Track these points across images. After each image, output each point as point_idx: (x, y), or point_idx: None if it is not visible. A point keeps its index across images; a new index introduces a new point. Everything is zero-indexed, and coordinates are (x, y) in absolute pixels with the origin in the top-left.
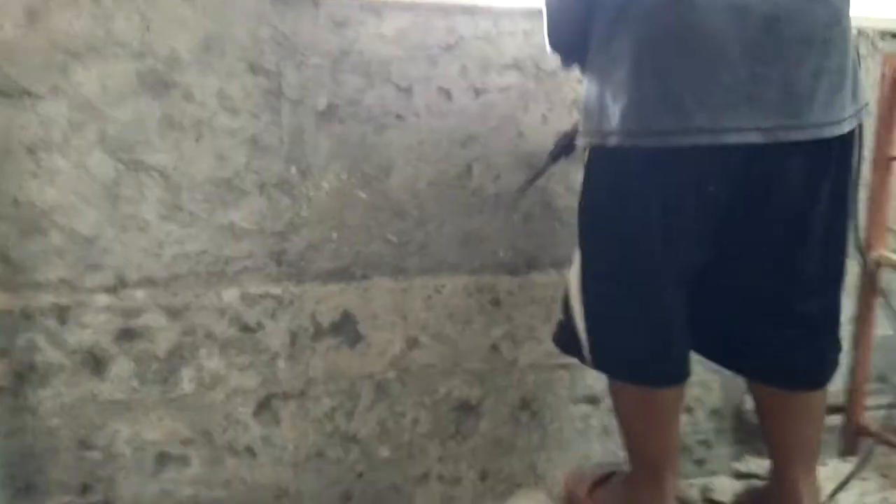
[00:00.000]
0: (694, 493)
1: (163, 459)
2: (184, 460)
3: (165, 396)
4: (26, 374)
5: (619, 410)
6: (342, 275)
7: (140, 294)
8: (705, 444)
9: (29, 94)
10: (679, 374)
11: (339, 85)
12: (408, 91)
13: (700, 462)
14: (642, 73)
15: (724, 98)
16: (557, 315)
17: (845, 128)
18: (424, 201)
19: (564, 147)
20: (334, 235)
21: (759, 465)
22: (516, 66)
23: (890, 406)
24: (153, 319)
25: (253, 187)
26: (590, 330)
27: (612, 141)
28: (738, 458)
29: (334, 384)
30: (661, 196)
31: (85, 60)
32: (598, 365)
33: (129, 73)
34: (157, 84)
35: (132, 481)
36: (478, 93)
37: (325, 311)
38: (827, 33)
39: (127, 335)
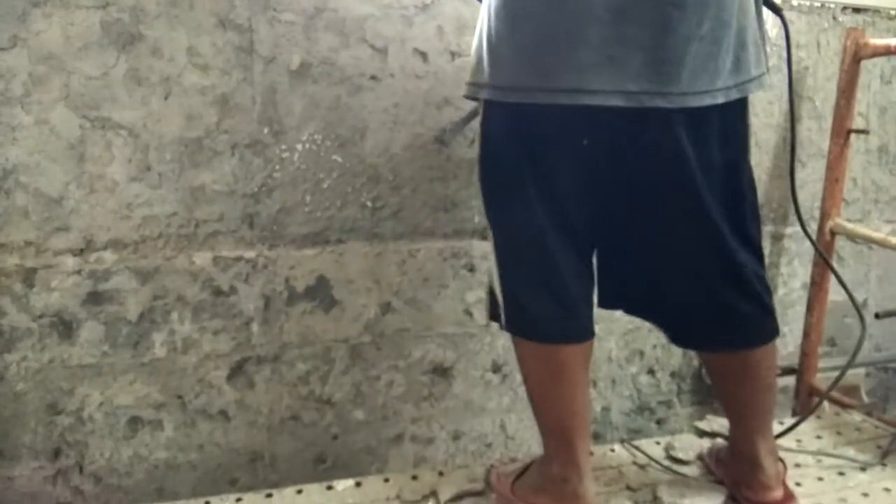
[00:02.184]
0: (657, 451)
1: (135, 424)
2: (157, 424)
3: (137, 361)
4: None
5: (526, 376)
6: (316, 239)
7: (109, 257)
8: (666, 404)
9: None
10: (579, 331)
11: (312, 43)
12: (383, 52)
13: (661, 422)
14: (513, 28)
15: (588, 59)
16: (467, 288)
17: (718, 99)
18: (399, 165)
19: None
20: (308, 199)
21: (722, 423)
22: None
23: (839, 368)
24: (123, 282)
25: (224, 148)
26: (503, 290)
27: (484, 94)
28: (697, 417)
29: (309, 348)
30: (531, 149)
31: (45, 8)
32: (508, 326)
33: (93, 22)
34: (123, 36)
35: (105, 445)
36: (453, 55)
37: (299, 276)
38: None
39: (96, 299)
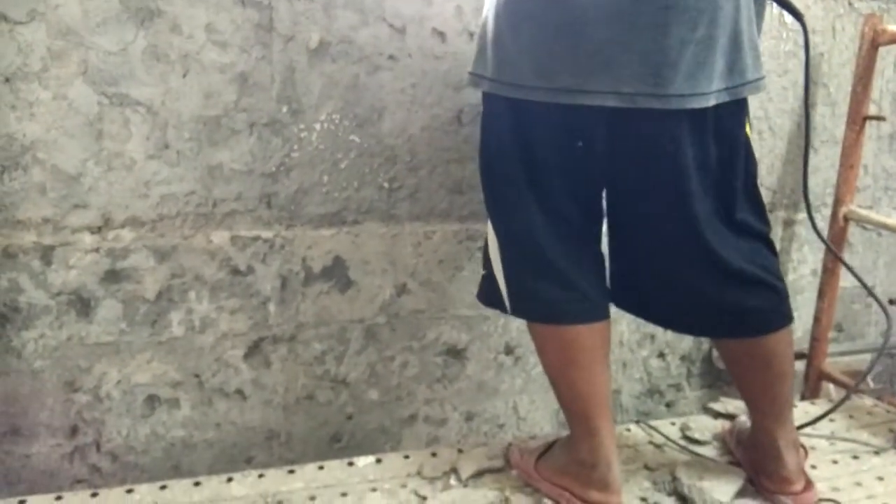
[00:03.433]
0: (673, 432)
1: (152, 402)
2: (174, 403)
3: (154, 339)
4: (10, 316)
5: (544, 359)
6: (333, 219)
7: (127, 234)
8: (676, 387)
9: (5, 18)
10: (590, 312)
11: (332, 21)
12: (402, 31)
13: (670, 405)
14: (517, 28)
15: (587, 61)
16: (480, 270)
17: (710, 102)
18: (416, 146)
19: None
20: (325, 179)
21: (736, 405)
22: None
23: (846, 353)
24: (141, 261)
25: (243, 126)
26: (507, 277)
27: (486, 87)
28: (707, 401)
29: (325, 329)
30: (529, 143)
31: None
32: (516, 310)
33: None
34: (142, 11)
35: (122, 423)
36: (472, 35)
37: (316, 256)
38: (696, 3)
39: (114, 277)
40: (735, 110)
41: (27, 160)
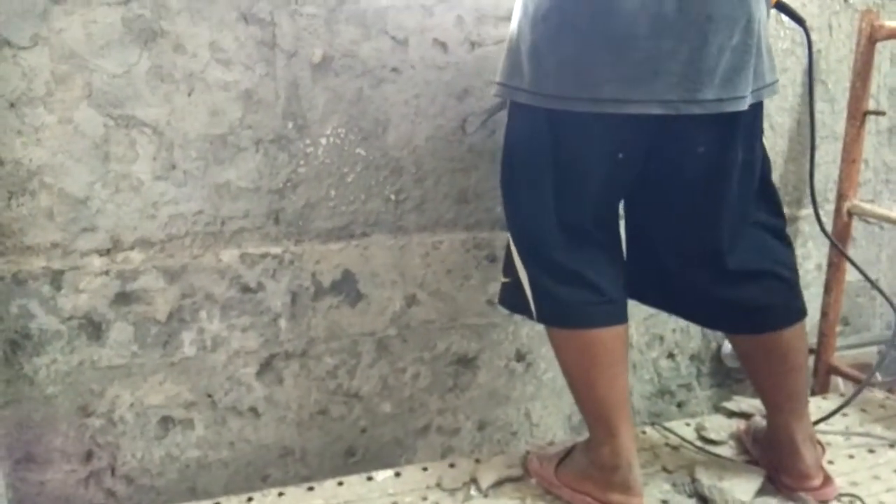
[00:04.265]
0: (689, 433)
1: (166, 423)
2: (188, 423)
3: (167, 360)
4: (21, 343)
5: (565, 364)
6: (341, 233)
7: (136, 256)
8: (686, 387)
9: (9, 43)
10: (614, 315)
11: (334, 35)
12: (403, 43)
13: (681, 405)
14: (558, 39)
15: (632, 72)
16: (501, 278)
17: (745, 104)
18: (421, 157)
19: None
20: (332, 193)
21: (750, 403)
22: (511, 17)
23: (852, 346)
24: (151, 282)
25: (249, 143)
26: (532, 284)
27: (521, 98)
28: (717, 400)
29: (336, 343)
30: (564, 154)
31: (66, 5)
32: (540, 316)
33: (115, 19)
34: (145, 32)
35: (136, 446)
36: (473, 45)
37: (325, 271)
38: (732, 12)
39: (124, 299)
40: (756, 112)
41: (34, 185)
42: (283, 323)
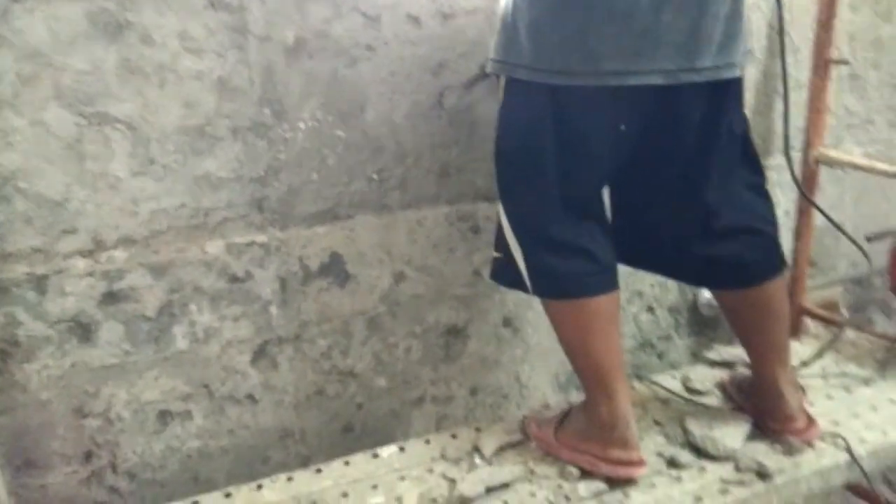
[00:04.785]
0: (676, 385)
1: (164, 417)
2: (186, 415)
3: (160, 355)
4: (10, 351)
5: (563, 332)
6: (326, 216)
7: (120, 255)
8: (665, 338)
9: None
10: (609, 282)
11: (305, 16)
12: (376, 20)
13: (661, 355)
14: (560, 13)
15: (633, 44)
16: (493, 253)
17: (739, 70)
18: (401, 135)
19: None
20: (315, 177)
21: (731, 352)
22: None
23: (820, 287)
24: (137, 279)
25: (226, 133)
26: (526, 257)
27: (521, 74)
28: (695, 348)
29: (328, 324)
30: (563, 128)
31: (27, 3)
32: (537, 289)
33: (78, 14)
34: (111, 26)
35: (136, 442)
36: (445, 17)
37: (312, 255)
38: None
39: (112, 298)
40: (740, 76)
41: (9, 191)
42: (273, 309)
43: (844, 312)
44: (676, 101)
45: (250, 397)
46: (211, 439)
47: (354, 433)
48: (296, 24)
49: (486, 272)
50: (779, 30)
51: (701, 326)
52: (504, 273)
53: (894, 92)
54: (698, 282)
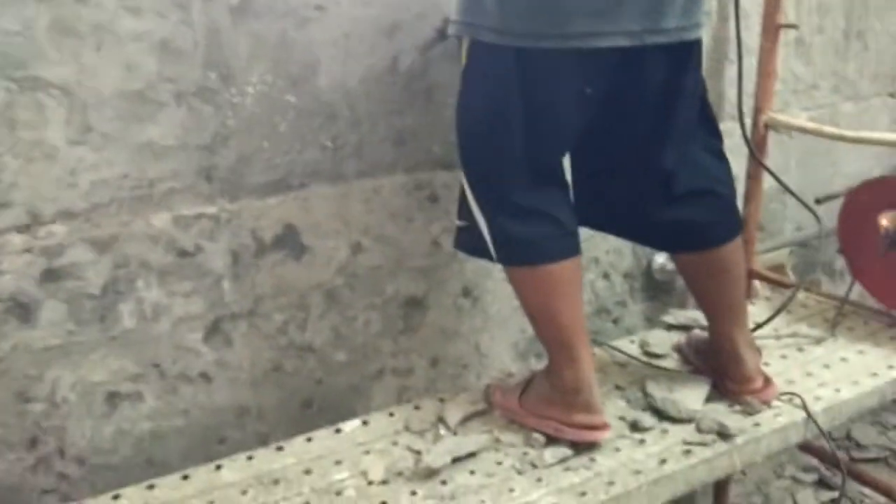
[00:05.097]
0: (634, 349)
1: (113, 399)
2: (136, 396)
3: (106, 335)
4: None
5: (527, 299)
6: (279, 186)
7: (59, 229)
8: (621, 304)
9: None
10: (574, 247)
11: None
12: None
13: (616, 321)
14: None
15: (600, 5)
16: (455, 221)
17: (702, 31)
18: (355, 100)
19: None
20: (266, 145)
21: (687, 315)
22: None
23: (768, 250)
24: (79, 255)
25: (169, 98)
26: (489, 225)
27: (486, 37)
28: (649, 313)
29: (284, 298)
30: (528, 92)
31: None
32: (501, 257)
33: None
34: None
35: (84, 426)
36: None
37: (265, 226)
38: None
39: (52, 276)
40: (699, 38)
41: None
42: (226, 284)
43: (791, 275)
44: (640, 63)
45: (204, 376)
46: (164, 420)
47: (314, 409)
48: None
49: (446, 241)
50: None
51: (655, 291)
52: (468, 241)
53: (837, 56)
54: (658, 244)
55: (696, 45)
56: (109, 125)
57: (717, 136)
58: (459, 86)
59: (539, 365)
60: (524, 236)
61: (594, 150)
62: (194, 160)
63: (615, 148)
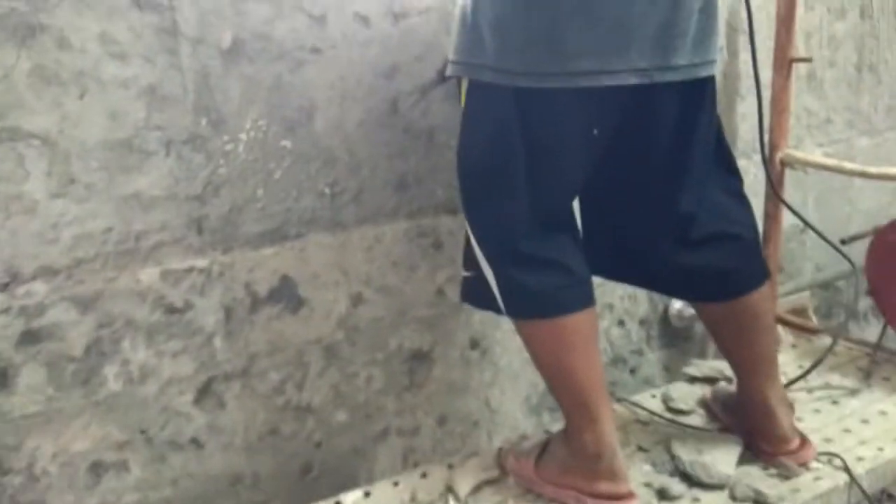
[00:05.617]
0: (656, 405)
1: (97, 469)
2: (122, 466)
3: (90, 400)
4: None
5: (541, 355)
6: (274, 236)
7: (40, 287)
8: (637, 353)
9: None
10: (587, 297)
11: (242, 16)
12: (321, 20)
13: (633, 371)
14: (527, 9)
15: (605, 40)
16: (461, 272)
17: (714, 69)
18: (354, 144)
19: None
20: (260, 193)
21: (711, 366)
22: None
23: (788, 293)
24: (61, 314)
25: (158, 146)
26: (497, 275)
27: (486, 76)
28: (667, 361)
29: (280, 356)
30: (532, 134)
31: None
32: (511, 310)
33: None
34: (21, 28)
35: (65, 500)
36: (397, 17)
37: (260, 279)
38: None
39: (32, 337)
40: (713, 75)
41: None
42: (218, 342)
43: (812, 317)
44: (650, 101)
45: (195, 441)
46: (151, 491)
47: (313, 474)
48: (233, 25)
49: (451, 290)
50: (749, 28)
51: (672, 338)
52: (475, 293)
53: (850, 90)
54: (677, 293)
55: (710, 82)
56: (93, 176)
57: (735, 175)
58: (459, 129)
59: (552, 420)
60: (534, 287)
61: (604, 194)
62: (184, 211)
63: (627, 190)
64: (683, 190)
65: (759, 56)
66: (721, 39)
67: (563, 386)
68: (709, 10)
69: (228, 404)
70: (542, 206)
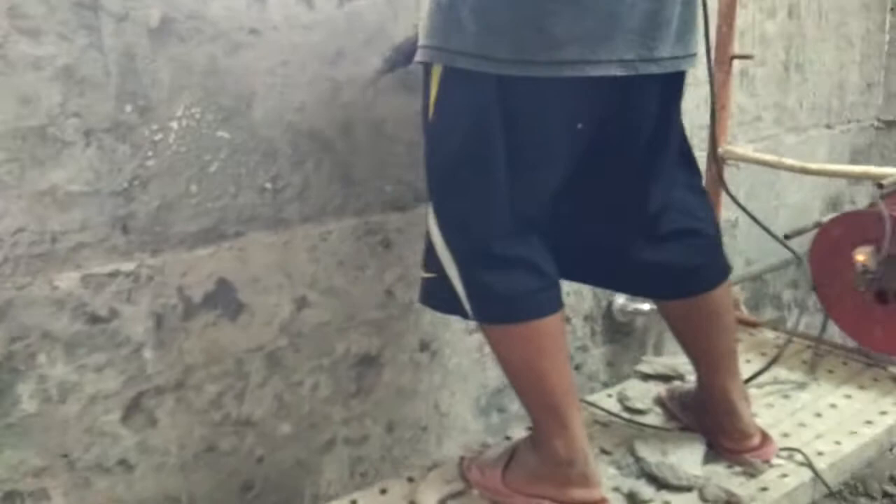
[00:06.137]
0: (612, 405)
1: (13, 499)
2: (41, 494)
3: (2, 422)
4: None
5: (510, 360)
6: (210, 235)
7: None
8: (582, 349)
9: None
10: (556, 299)
11: None
12: None
13: (578, 367)
14: None
15: (593, 28)
16: (421, 273)
17: (695, 62)
18: (297, 136)
19: (408, 56)
20: (193, 188)
21: (663, 363)
22: None
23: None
24: None
25: (76, 136)
26: (464, 278)
27: (465, 63)
28: (611, 356)
29: (217, 366)
30: (510, 123)
31: None
32: (478, 314)
33: None
34: None
35: None
36: (342, 0)
37: (194, 283)
38: None
39: None
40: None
41: None
42: (148, 353)
43: (743, 309)
44: (632, 94)
45: (123, 463)
46: None
47: (255, 492)
48: (162, 1)
49: (400, 291)
50: (704, 25)
51: (615, 334)
52: (436, 296)
53: (778, 88)
54: (640, 290)
55: (683, 77)
56: (2, 169)
57: (696, 173)
58: (427, 120)
59: (503, 422)
60: (505, 290)
61: (573, 191)
62: (107, 209)
63: (596, 188)
64: (653, 188)
65: (699, 52)
66: None
67: (533, 391)
68: (691, 4)
69: (160, 421)
70: (521, 204)
